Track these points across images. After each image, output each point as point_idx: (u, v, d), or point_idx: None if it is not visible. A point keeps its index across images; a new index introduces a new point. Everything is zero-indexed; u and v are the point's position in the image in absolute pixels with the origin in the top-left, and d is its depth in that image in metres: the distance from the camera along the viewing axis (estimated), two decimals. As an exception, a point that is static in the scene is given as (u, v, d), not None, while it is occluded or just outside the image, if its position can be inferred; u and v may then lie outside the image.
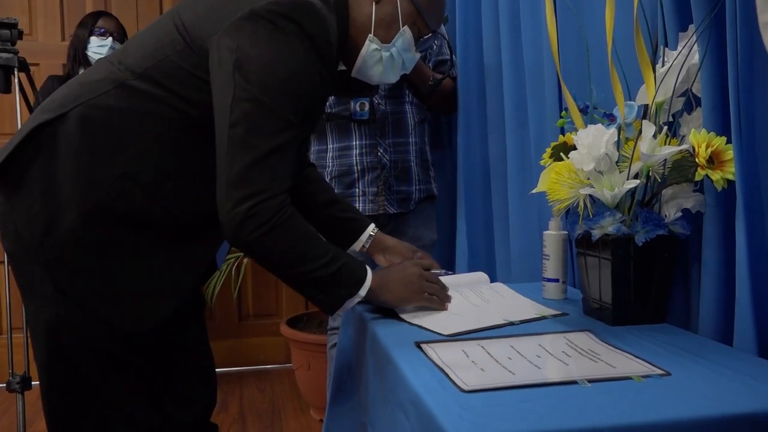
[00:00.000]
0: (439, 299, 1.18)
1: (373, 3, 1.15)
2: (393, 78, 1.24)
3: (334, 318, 2.04)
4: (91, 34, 2.43)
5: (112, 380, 1.09)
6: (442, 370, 0.87)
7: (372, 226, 1.38)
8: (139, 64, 1.06)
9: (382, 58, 1.18)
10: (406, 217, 1.98)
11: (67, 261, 1.04)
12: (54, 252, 1.03)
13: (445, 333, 1.05)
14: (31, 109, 2.33)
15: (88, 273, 1.05)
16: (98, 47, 2.42)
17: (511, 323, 1.14)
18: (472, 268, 1.97)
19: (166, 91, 1.04)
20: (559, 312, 1.21)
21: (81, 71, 2.43)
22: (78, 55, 2.45)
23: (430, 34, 1.23)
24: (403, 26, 1.17)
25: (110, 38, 2.44)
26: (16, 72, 2.15)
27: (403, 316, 1.15)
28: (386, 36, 1.17)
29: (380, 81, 1.25)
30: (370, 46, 1.17)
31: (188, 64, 1.04)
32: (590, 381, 0.83)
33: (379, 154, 1.91)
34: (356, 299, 1.09)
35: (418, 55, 1.25)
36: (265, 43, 0.99)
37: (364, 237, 1.36)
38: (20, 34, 2.19)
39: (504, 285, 1.38)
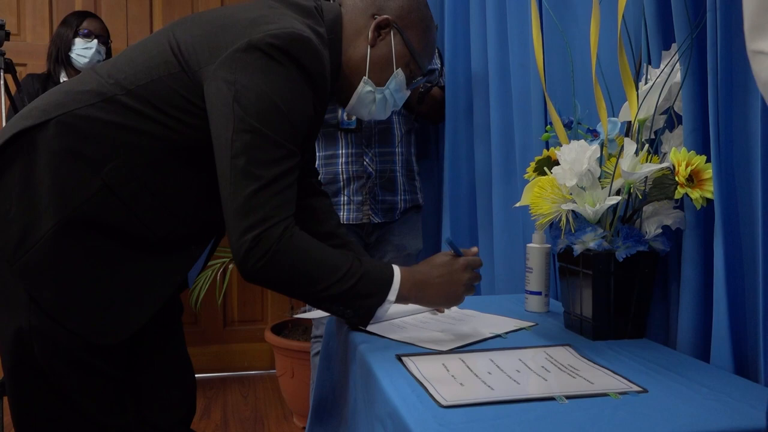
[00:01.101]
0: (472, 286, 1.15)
1: (368, 46, 1.17)
2: (383, 116, 1.27)
3: (317, 326, 2.04)
4: (75, 35, 2.40)
5: (83, 388, 1.08)
6: (422, 384, 0.87)
7: None
8: (129, 81, 1.06)
9: (376, 99, 1.21)
10: (391, 226, 1.99)
11: (41, 269, 1.03)
12: (28, 259, 1.02)
13: (444, 349, 1.04)
14: (16, 110, 2.31)
15: (61, 283, 1.03)
16: (83, 49, 2.39)
17: (499, 336, 1.15)
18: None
19: (156, 110, 1.05)
20: (533, 323, 1.23)
21: (62, 72, 2.40)
22: (60, 55, 2.41)
23: (421, 77, 1.26)
24: (396, 68, 1.20)
25: (95, 40, 2.41)
26: (2, 73, 2.14)
27: (391, 336, 1.13)
28: (380, 78, 1.19)
29: (371, 118, 1.28)
30: (365, 87, 1.19)
31: (181, 88, 1.05)
32: (568, 397, 0.83)
33: (365, 163, 1.92)
34: (387, 305, 1.07)
35: (408, 93, 1.28)
36: (262, 75, 1.00)
37: None
38: (7, 35, 2.17)
39: (468, 309, 1.35)
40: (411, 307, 1.20)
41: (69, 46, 2.39)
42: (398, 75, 1.20)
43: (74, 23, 2.42)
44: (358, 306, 1.06)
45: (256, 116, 0.99)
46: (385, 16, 1.17)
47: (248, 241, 0.98)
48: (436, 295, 1.12)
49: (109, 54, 2.55)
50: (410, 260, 2.04)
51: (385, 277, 1.07)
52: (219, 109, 1.01)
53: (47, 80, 2.45)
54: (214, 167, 1.04)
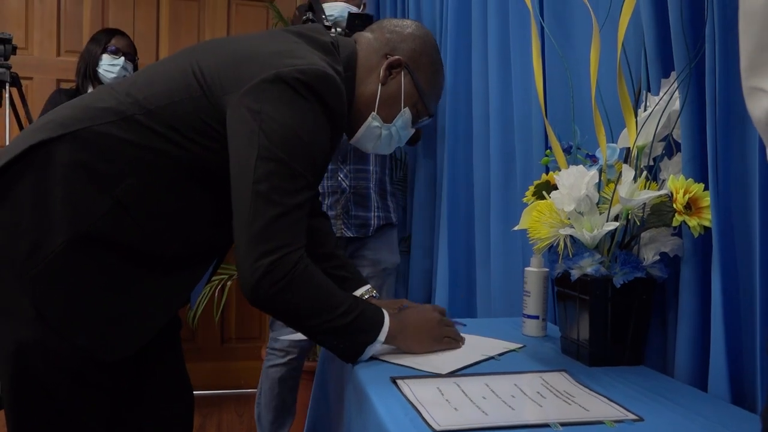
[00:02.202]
0: (455, 341, 1.20)
1: (379, 84, 1.21)
2: (387, 151, 1.33)
3: (275, 339, 2.06)
4: (104, 51, 2.44)
5: (83, 403, 1.07)
6: (415, 408, 0.87)
7: (366, 288, 1.39)
8: (149, 101, 1.07)
9: (381, 135, 1.26)
10: (365, 241, 2.03)
11: (50, 283, 1.03)
12: (38, 273, 1.02)
13: (444, 372, 1.04)
14: (21, 125, 2.32)
15: (70, 298, 1.04)
16: (109, 65, 2.43)
17: (492, 358, 1.15)
18: (452, 301, 1.98)
19: (174, 131, 1.06)
20: (521, 345, 1.24)
21: (90, 87, 2.43)
22: (88, 71, 2.45)
23: (428, 117, 1.30)
24: (404, 107, 1.24)
25: (122, 58, 2.44)
26: (7, 87, 2.15)
27: (386, 357, 1.12)
28: (388, 115, 1.24)
29: (375, 152, 1.33)
30: (372, 123, 1.23)
31: (201, 112, 1.06)
32: (563, 424, 0.82)
33: (339, 178, 1.96)
34: (377, 345, 1.10)
35: (413, 131, 1.31)
36: (287, 108, 1.03)
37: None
38: (14, 50, 2.20)
39: None
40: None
41: (96, 62, 2.43)
42: (405, 113, 1.25)
43: (103, 40, 2.46)
44: (352, 341, 1.09)
45: (280, 146, 1.02)
46: (397, 56, 1.21)
47: (264, 267, 0.99)
48: (417, 335, 1.15)
49: (135, 71, 2.58)
50: (388, 275, 2.09)
51: (378, 317, 1.11)
52: (243, 136, 1.03)
53: (75, 95, 2.48)
54: (224, 191, 1.06)
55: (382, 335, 1.10)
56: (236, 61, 1.08)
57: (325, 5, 1.95)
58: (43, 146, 1.04)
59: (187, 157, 1.07)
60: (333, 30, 1.87)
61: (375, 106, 1.22)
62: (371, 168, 2.02)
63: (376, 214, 2.01)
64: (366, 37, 1.25)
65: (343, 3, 2.00)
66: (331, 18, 1.93)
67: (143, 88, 1.10)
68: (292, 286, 1.01)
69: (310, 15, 1.88)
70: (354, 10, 1.99)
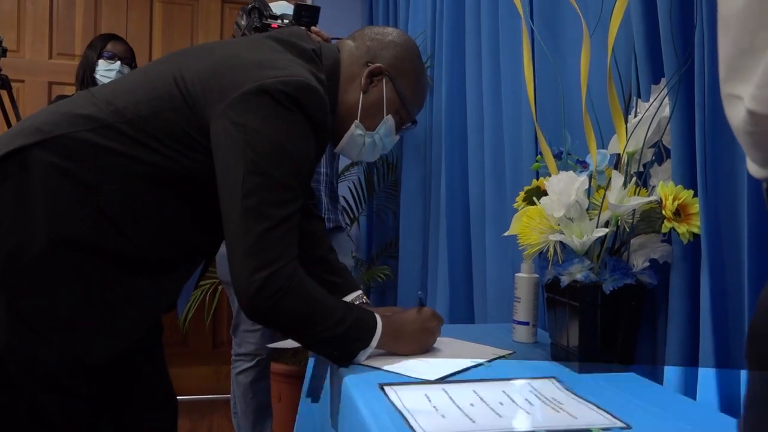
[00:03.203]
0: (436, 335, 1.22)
1: (361, 92, 1.21)
2: (372, 158, 1.32)
3: (240, 344, 2.05)
4: (99, 56, 2.44)
5: (60, 410, 1.06)
6: (402, 415, 0.86)
7: (357, 293, 1.39)
8: (130, 110, 1.06)
9: (365, 143, 1.25)
10: None
11: (31, 288, 1.02)
12: (19, 277, 1.01)
13: (433, 378, 1.04)
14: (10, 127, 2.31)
15: (52, 302, 1.03)
16: (105, 71, 2.43)
17: (481, 364, 1.14)
18: (453, 308, 1.97)
19: (155, 141, 1.05)
20: (511, 351, 1.23)
21: None
22: (86, 77, 2.46)
23: (411, 124, 1.30)
24: (387, 114, 1.24)
25: (118, 62, 2.44)
26: (-3, 90, 2.14)
27: (375, 363, 1.11)
28: (371, 123, 1.23)
29: (359, 159, 1.34)
30: (355, 131, 1.23)
31: (184, 123, 1.06)
32: (550, 432, 0.82)
33: None
34: (369, 350, 1.11)
35: (397, 138, 1.31)
36: (272, 120, 1.03)
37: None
38: (4, 52, 2.18)
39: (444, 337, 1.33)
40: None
41: (93, 68, 2.43)
42: (388, 121, 1.24)
43: (99, 46, 2.46)
44: (345, 348, 1.09)
45: (267, 159, 1.02)
46: (378, 64, 1.21)
47: (259, 281, 1.00)
48: (411, 340, 1.17)
49: None
50: None
51: (370, 322, 1.11)
52: (228, 150, 1.03)
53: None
54: (207, 198, 1.06)
55: (375, 340, 1.10)
56: (219, 72, 1.07)
57: (271, 4, 1.92)
58: (21, 151, 1.03)
59: (169, 166, 1.06)
60: (281, 21, 1.83)
61: (358, 114, 1.21)
62: (322, 170, 1.99)
63: (326, 216, 1.99)
64: (348, 44, 1.24)
65: (285, 2, 1.98)
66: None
67: (123, 95, 1.09)
68: (288, 299, 1.02)
69: (256, 19, 1.84)
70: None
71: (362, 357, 1.11)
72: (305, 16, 1.81)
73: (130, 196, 1.06)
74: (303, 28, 1.25)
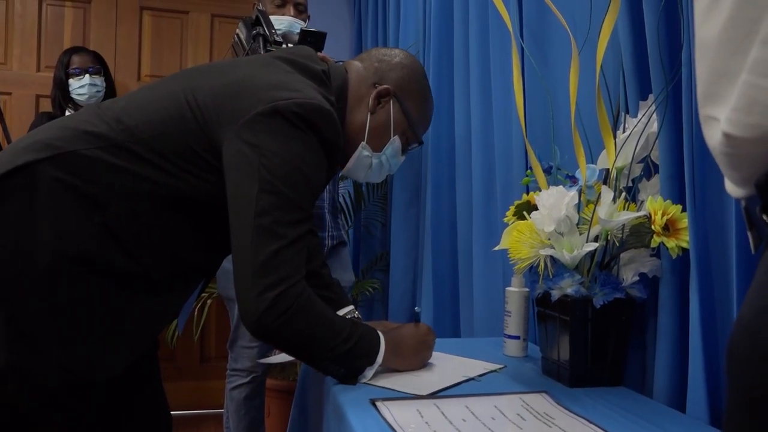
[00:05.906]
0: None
1: (368, 113, 1.22)
2: (378, 179, 1.33)
3: (236, 359, 2.03)
4: (68, 76, 2.42)
5: (57, 427, 1.05)
6: (394, 431, 0.86)
7: (349, 308, 1.39)
8: (141, 130, 1.06)
9: (372, 164, 1.26)
10: None
11: (34, 303, 1.00)
12: (21, 292, 1.00)
13: (424, 393, 1.04)
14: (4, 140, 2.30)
15: (54, 318, 1.01)
16: (79, 88, 2.43)
17: (472, 379, 1.14)
18: (437, 321, 1.97)
19: (166, 161, 1.05)
20: (502, 365, 1.23)
21: (69, 112, 2.42)
22: (59, 99, 2.45)
23: (417, 144, 1.31)
24: (393, 135, 1.25)
25: (86, 75, 2.43)
26: (-17, 102, 2.13)
27: (366, 379, 1.11)
28: (377, 144, 1.24)
29: (366, 180, 1.34)
30: (362, 152, 1.24)
31: (196, 145, 1.06)
32: (542, 447, 0.82)
33: None
34: (375, 366, 1.11)
35: (403, 158, 1.32)
36: (286, 141, 1.04)
37: None
38: (-9, 65, 2.17)
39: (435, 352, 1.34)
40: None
41: (65, 88, 2.42)
42: (395, 142, 1.25)
43: (64, 62, 2.45)
44: (351, 366, 1.09)
45: (282, 180, 1.02)
46: (385, 85, 1.22)
47: (269, 300, 0.99)
48: (410, 356, 1.18)
49: (108, 82, 2.57)
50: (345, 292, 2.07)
51: (374, 339, 1.12)
52: (242, 170, 1.03)
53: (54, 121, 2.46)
54: (214, 219, 1.07)
55: (380, 357, 1.11)
56: (231, 93, 1.07)
57: (272, 18, 1.94)
58: (29, 167, 1.02)
59: (178, 186, 1.06)
60: (284, 44, 1.85)
61: (365, 135, 1.22)
62: (326, 187, 2.01)
63: (330, 233, 2.00)
64: (356, 65, 1.25)
65: (291, 17, 1.99)
66: (279, 32, 1.91)
67: (134, 114, 1.08)
68: (296, 318, 1.02)
69: (260, 30, 1.85)
70: (300, 23, 1.98)
71: (369, 374, 1.10)
72: (311, 42, 1.82)
73: (137, 214, 1.05)
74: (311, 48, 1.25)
